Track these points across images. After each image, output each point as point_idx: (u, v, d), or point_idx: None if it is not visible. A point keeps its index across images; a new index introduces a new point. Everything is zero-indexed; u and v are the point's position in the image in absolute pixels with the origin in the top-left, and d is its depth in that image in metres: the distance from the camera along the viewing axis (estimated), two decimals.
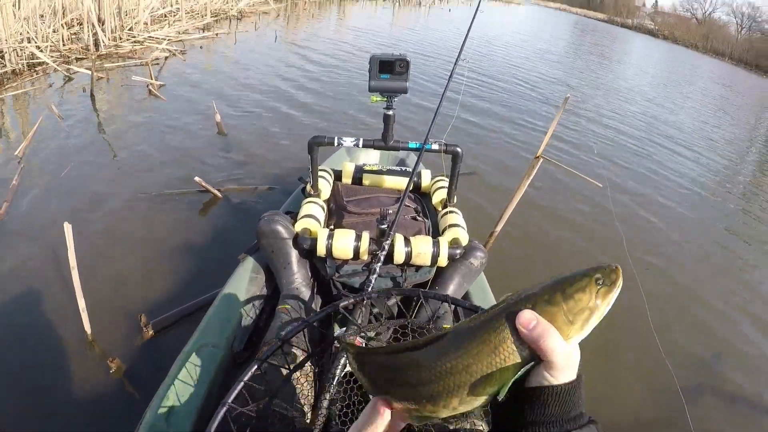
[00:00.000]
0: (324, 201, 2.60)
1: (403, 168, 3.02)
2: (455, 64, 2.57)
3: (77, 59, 7.95)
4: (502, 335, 0.72)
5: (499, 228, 3.88)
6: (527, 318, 0.70)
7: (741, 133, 11.65)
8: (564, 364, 0.71)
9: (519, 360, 0.72)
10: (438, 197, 2.76)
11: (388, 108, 2.30)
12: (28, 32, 7.63)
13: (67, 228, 2.54)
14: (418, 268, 2.28)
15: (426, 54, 12.60)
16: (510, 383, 0.73)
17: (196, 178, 4.19)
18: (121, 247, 3.59)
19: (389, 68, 2.16)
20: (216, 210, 4.21)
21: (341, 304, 1.55)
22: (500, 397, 0.74)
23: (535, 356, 0.72)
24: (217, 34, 11.16)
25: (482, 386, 0.74)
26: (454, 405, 0.75)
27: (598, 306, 0.73)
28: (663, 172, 6.94)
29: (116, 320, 2.97)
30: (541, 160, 3.51)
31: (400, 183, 2.87)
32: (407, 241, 2.17)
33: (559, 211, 5.19)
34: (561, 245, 4.62)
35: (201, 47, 9.95)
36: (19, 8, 7.81)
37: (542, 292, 0.74)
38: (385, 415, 0.78)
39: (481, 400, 0.75)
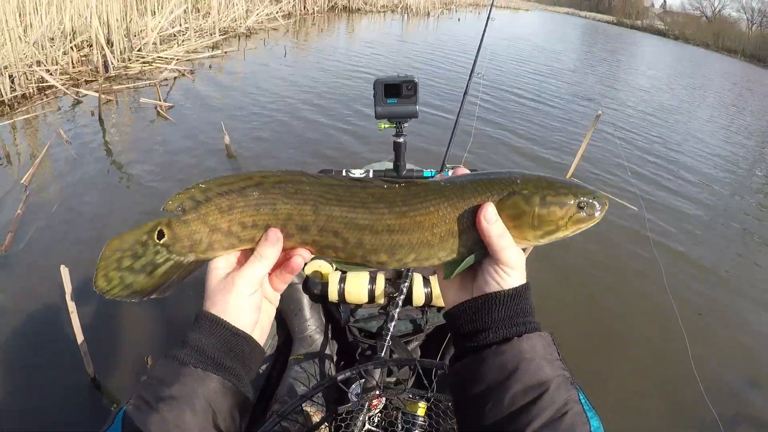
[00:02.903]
0: None
1: None
2: (469, 79, 2.46)
3: (87, 81, 7.95)
4: (470, 208, 0.73)
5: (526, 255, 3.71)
6: (490, 214, 0.72)
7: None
8: (514, 262, 0.73)
9: (474, 239, 0.74)
10: None
11: (398, 135, 2.12)
12: (37, 56, 7.62)
13: (64, 271, 2.46)
14: (440, 308, 2.08)
15: (439, 67, 12.43)
16: (460, 268, 0.75)
17: None
18: None
19: (396, 92, 1.98)
20: None
21: (339, 377, 1.43)
22: (448, 277, 0.76)
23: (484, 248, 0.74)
24: (226, 53, 11.14)
25: (438, 248, 0.75)
26: (407, 260, 0.76)
27: (566, 227, 0.75)
28: (700, 187, 6.71)
29: (121, 363, 2.88)
30: None
31: None
32: (426, 281, 1.98)
33: (592, 237, 4.86)
34: (593, 273, 4.41)
35: (210, 66, 9.92)
36: (28, 32, 7.84)
37: (523, 185, 0.74)
38: (276, 243, 0.74)
39: (431, 261, 0.76)
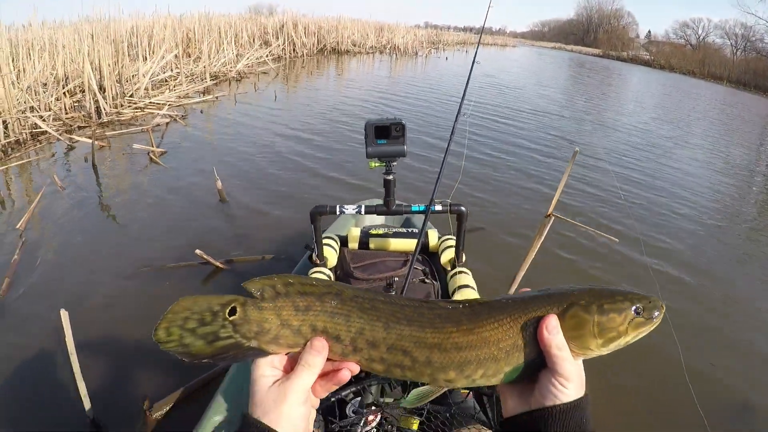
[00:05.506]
0: (331, 268, 2.57)
1: (409, 229, 2.98)
2: (456, 120, 2.55)
3: (79, 127, 8.06)
4: (532, 321, 0.77)
5: (513, 289, 3.69)
6: (553, 324, 0.76)
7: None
8: (572, 375, 0.76)
9: (537, 352, 0.77)
10: (446, 257, 2.71)
11: (387, 173, 2.29)
12: (30, 102, 7.73)
13: (64, 315, 2.49)
14: None
15: (428, 107, 12.73)
16: (517, 374, 0.78)
17: (197, 251, 4.12)
18: (123, 326, 3.50)
19: (385, 133, 2.14)
20: (219, 282, 4.13)
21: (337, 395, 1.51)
22: (505, 381, 0.79)
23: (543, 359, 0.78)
24: (217, 97, 11.32)
25: (504, 363, 0.78)
26: (475, 377, 0.78)
27: (626, 332, 0.78)
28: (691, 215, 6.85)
29: (120, 404, 2.88)
30: (553, 218, 3.39)
31: (407, 245, 2.82)
32: None
33: (578, 269, 5.03)
34: None
35: (201, 111, 10.06)
36: (22, 78, 7.95)
37: (580, 296, 0.79)
38: (321, 351, 0.77)
39: (499, 377, 0.79)
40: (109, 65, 9.42)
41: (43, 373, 3.05)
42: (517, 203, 6.42)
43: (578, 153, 3.39)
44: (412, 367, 0.77)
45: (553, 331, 0.75)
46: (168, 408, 2.84)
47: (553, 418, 0.74)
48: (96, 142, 6.57)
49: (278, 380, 0.77)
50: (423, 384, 0.82)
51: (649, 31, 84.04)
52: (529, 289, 0.84)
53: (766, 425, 3.29)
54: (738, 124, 18.61)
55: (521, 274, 3.66)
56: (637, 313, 0.78)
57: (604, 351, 0.80)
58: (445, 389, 0.81)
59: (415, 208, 2.37)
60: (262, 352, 0.78)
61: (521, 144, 9.65)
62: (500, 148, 9.13)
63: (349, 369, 0.78)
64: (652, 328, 0.80)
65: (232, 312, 0.75)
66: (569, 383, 0.76)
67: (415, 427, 1.54)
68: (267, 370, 0.78)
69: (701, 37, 63.73)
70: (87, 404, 2.66)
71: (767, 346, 4.04)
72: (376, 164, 2.25)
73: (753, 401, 3.44)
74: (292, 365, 0.78)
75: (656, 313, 0.79)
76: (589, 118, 14.46)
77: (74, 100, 9.08)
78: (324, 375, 0.79)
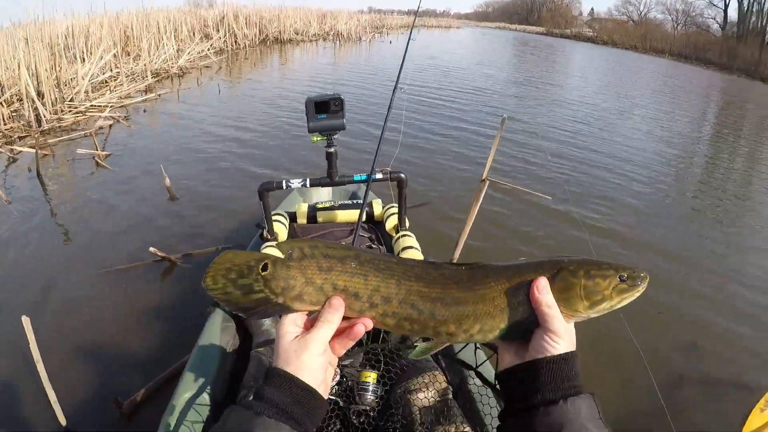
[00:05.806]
0: None
1: (355, 201, 3.17)
2: (393, 93, 2.72)
3: (20, 137, 7.87)
4: (525, 283, 0.86)
5: (457, 254, 3.89)
6: (542, 285, 0.85)
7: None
8: (562, 331, 0.84)
9: (529, 311, 0.86)
10: (391, 223, 2.90)
11: (329, 146, 2.44)
12: None
13: (26, 321, 2.50)
14: None
15: (370, 87, 13.23)
16: (511, 331, 0.87)
17: (151, 249, 4.21)
18: (86, 330, 3.54)
19: (324, 108, 2.30)
20: (176, 276, 4.25)
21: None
22: (501, 338, 0.88)
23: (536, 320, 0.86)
24: (159, 95, 11.17)
25: (499, 319, 0.86)
26: (473, 332, 0.87)
27: (611, 297, 0.86)
28: (618, 176, 7.31)
29: (93, 407, 2.90)
30: (487, 182, 3.56)
31: (353, 215, 3.00)
32: None
33: (517, 228, 5.47)
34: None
35: (144, 110, 9.96)
36: None
37: (570, 263, 0.87)
38: (339, 308, 0.86)
39: (495, 333, 0.87)
40: (46, 70, 9.21)
41: (10, 386, 3.04)
42: (458, 185, 6.69)
43: (506, 120, 3.58)
44: (418, 320, 0.86)
45: (543, 290, 0.84)
46: (138, 401, 2.89)
47: (544, 367, 0.83)
48: (39, 151, 6.50)
49: (299, 335, 0.87)
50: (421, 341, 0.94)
51: (592, 9, 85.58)
52: (525, 259, 0.92)
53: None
54: (680, 95, 19.36)
55: (463, 238, 3.83)
56: (621, 280, 0.86)
57: (592, 313, 0.87)
58: (447, 344, 0.91)
59: (357, 177, 2.54)
60: (288, 309, 0.87)
61: (461, 127, 9.95)
62: (440, 132, 9.40)
63: (364, 324, 0.86)
64: (636, 296, 0.87)
65: (264, 268, 0.86)
66: (560, 339, 0.84)
67: (373, 380, 1.66)
68: (290, 327, 0.87)
69: (643, 13, 64.71)
70: (58, 411, 2.68)
71: (715, 319, 4.32)
72: (318, 138, 2.42)
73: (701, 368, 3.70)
74: (312, 324, 0.87)
75: (639, 282, 0.87)
76: (532, 95, 14.92)
77: (12, 109, 8.84)
78: (341, 332, 0.88)
